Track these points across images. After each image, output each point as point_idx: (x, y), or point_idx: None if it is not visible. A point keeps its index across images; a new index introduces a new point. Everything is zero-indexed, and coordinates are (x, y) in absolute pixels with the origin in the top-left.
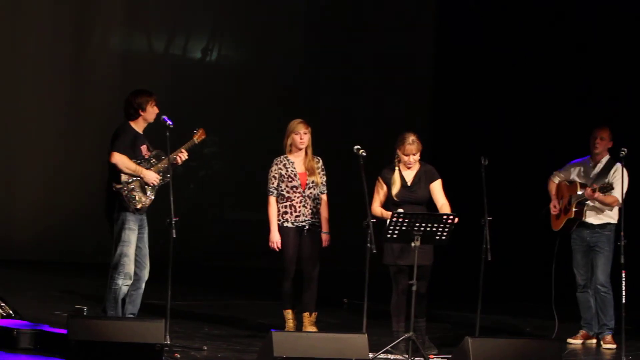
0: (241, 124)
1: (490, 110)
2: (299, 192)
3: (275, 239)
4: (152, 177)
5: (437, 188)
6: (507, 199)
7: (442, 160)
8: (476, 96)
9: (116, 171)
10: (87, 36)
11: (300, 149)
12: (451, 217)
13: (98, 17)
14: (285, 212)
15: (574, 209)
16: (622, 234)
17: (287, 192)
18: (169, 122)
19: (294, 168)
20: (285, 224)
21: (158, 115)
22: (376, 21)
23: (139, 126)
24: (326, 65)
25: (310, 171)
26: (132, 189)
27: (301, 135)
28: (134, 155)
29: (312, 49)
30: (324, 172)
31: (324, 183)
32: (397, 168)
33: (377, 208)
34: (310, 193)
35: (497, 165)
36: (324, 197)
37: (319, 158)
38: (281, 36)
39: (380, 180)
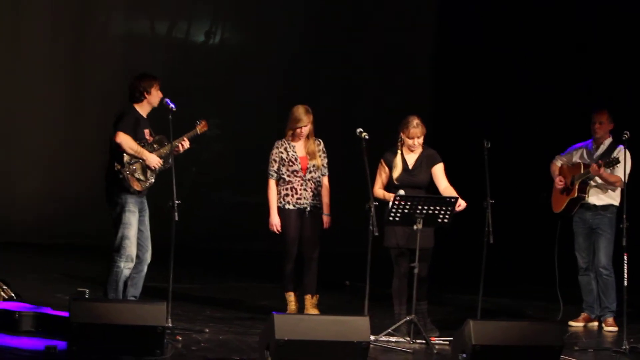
0: (243, 107)
1: (492, 97)
2: (300, 176)
3: (275, 222)
4: (154, 160)
5: (439, 171)
6: (510, 182)
7: (444, 144)
8: (477, 82)
9: (119, 152)
10: (88, 20)
11: (301, 139)
12: (453, 199)
13: (100, 1)
14: (287, 195)
15: (577, 188)
16: (624, 216)
17: (288, 175)
18: (171, 105)
19: (295, 152)
20: (287, 206)
21: (161, 99)
22: (376, 21)
23: (143, 110)
24: (327, 47)
25: (311, 155)
26: (134, 171)
27: (302, 129)
28: (137, 138)
29: (312, 33)
30: (325, 155)
31: (325, 165)
32: (399, 151)
33: (379, 190)
34: (312, 177)
35: (500, 148)
36: (325, 179)
37: (320, 140)
38: (282, 19)
39: (383, 163)
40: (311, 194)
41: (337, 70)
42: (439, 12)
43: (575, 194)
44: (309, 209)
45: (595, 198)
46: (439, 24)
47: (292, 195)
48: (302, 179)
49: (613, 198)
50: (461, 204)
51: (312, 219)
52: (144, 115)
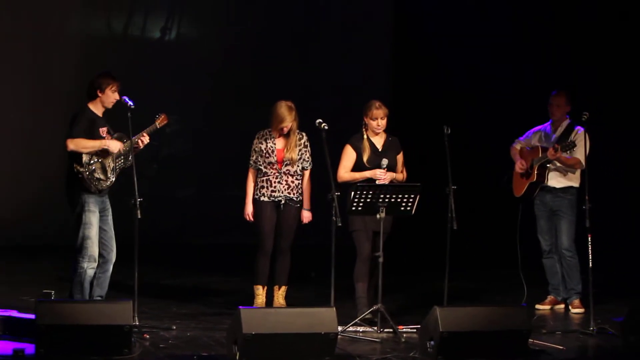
0: (201, 102)
1: (450, 82)
2: (275, 168)
3: (248, 211)
4: (116, 145)
5: (400, 159)
6: (471, 167)
7: (404, 131)
8: (435, 68)
9: (77, 153)
10: (45, 20)
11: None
12: (416, 186)
13: (55, 1)
14: (262, 187)
15: (536, 172)
16: (587, 197)
17: (265, 167)
18: (129, 102)
19: (274, 144)
20: (262, 198)
21: (119, 95)
22: (333, 11)
23: (97, 109)
24: (283, 40)
25: (289, 148)
26: (94, 171)
27: (285, 127)
28: (93, 138)
29: (269, 21)
30: (307, 148)
31: (307, 159)
32: (365, 136)
33: (344, 174)
34: (287, 170)
35: (460, 134)
36: (307, 172)
37: (303, 134)
38: (239, 13)
39: (350, 147)
40: (286, 186)
41: (294, 62)
42: (396, 6)
43: (534, 178)
44: (283, 201)
45: (555, 181)
46: (396, 15)
47: (267, 188)
48: (278, 172)
49: (572, 180)
50: (386, 177)
51: (287, 212)
52: (100, 115)
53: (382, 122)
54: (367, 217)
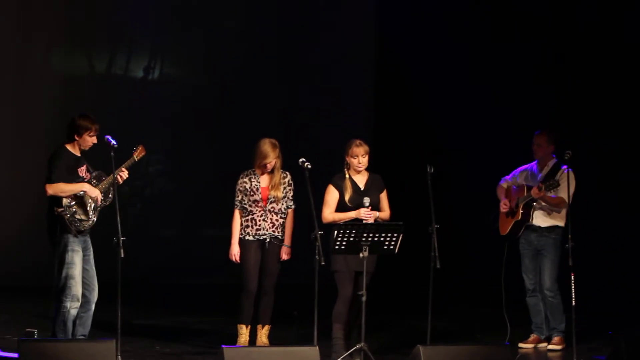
0: (185, 141)
1: (433, 122)
2: (260, 206)
3: (234, 252)
4: (95, 192)
5: (383, 198)
6: (454, 206)
7: (386, 170)
8: (418, 108)
9: (57, 197)
10: (27, 56)
11: (266, 172)
12: (398, 225)
13: (38, 39)
14: (247, 226)
15: (521, 211)
16: (569, 236)
17: (250, 205)
18: (112, 142)
19: (258, 182)
20: (247, 237)
21: (101, 134)
22: (315, 47)
23: (75, 149)
24: (265, 80)
25: (274, 186)
26: (74, 212)
27: (269, 164)
28: (72, 179)
29: (252, 61)
30: (291, 187)
31: (291, 198)
32: (347, 175)
33: (329, 215)
34: (272, 207)
35: (443, 172)
36: (291, 211)
37: (287, 173)
38: (222, 51)
39: (332, 187)
40: (271, 224)
41: (277, 101)
42: (378, 40)
43: (519, 217)
44: (268, 239)
45: (540, 220)
46: (378, 50)
47: (252, 227)
48: (263, 209)
49: (557, 219)
50: (371, 216)
51: (272, 250)
52: (78, 154)
53: (363, 160)
54: (349, 257)
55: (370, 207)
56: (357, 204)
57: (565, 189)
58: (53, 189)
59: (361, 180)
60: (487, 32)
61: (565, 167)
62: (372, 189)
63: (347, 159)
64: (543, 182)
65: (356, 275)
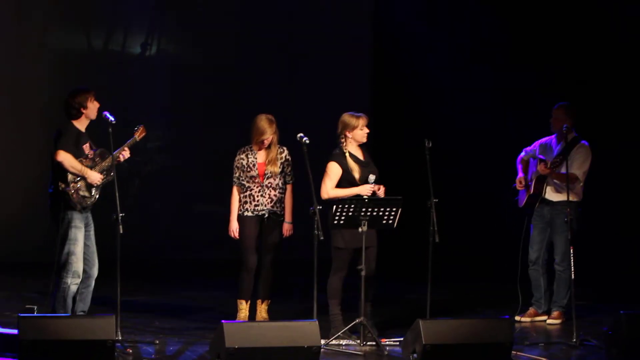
0: (183, 117)
1: (433, 95)
2: (257, 182)
3: (233, 228)
4: (95, 177)
5: None
6: (454, 180)
7: (386, 144)
8: (417, 81)
9: (62, 170)
10: (25, 35)
11: (263, 148)
12: (397, 199)
13: (35, 16)
14: (245, 202)
15: (534, 186)
16: (567, 210)
17: (247, 181)
18: (110, 118)
19: (255, 158)
20: (246, 214)
21: (100, 110)
22: (313, 22)
23: (81, 125)
24: (263, 55)
25: (271, 162)
26: (79, 188)
27: (266, 140)
28: (78, 154)
29: (250, 37)
30: (288, 162)
31: (289, 173)
32: (346, 152)
33: (331, 191)
34: (270, 183)
35: (441, 146)
36: (290, 187)
37: (284, 148)
38: (220, 28)
39: (335, 164)
40: (269, 200)
41: (274, 77)
42: (376, 11)
43: (532, 191)
44: (267, 215)
45: (552, 195)
46: (375, 25)
47: (250, 203)
48: (260, 185)
49: (571, 195)
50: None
51: (271, 226)
52: (83, 130)
53: (367, 131)
54: (348, 235)
55: (375, 183)
56: (364, 178)
57: (579, 165)
58: (65, 156)
59: (358, 153)
60: (489, 14)
61: (583, 142)
62: (371, 161)
63: (346, 132)
64: (561, 155)
65: (354, 252)
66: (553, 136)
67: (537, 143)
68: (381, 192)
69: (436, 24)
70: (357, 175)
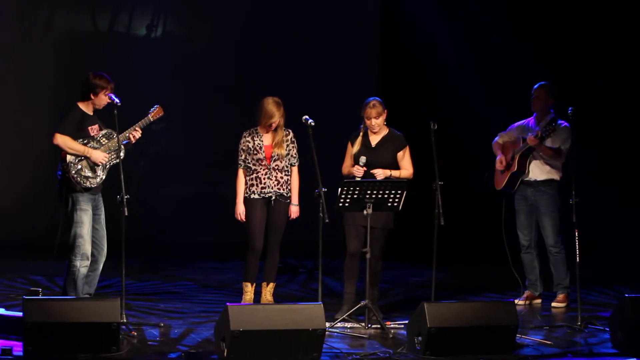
0: (189, 99)
1: (438, 74)
2: (264, 165)
3: (239, 211)
4: (99, 156)
5: (402, 156)
6: (459, 162)
7: (391, 126)
8: (422, 64)
9: (63, 152)
10: (31, 17)
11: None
12: (402, 182)
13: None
14: (252, 185)
15: (517, 162)
16: (573, 192)
17: (253, 164)
18: (116, 100)
19: (261, 141)
20: (252, 196)
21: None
22: (319, 8)
23: (88, 108)
24: (268, 37)
25: (277, 144)
26: (80, 169)
27: (274, 123)
28: (80, 135)
29: (255, 19)
30: (294, 144)
31: (295, 155)
32: (361, 132)
33: (345, 168)
34: (276, 165)
35: (447, 129)
36: (295, 169)
37: (289, 130)
38: (226, 10)
39: (349, 143)
40: (276, 182)
41: (279, 60)
42: (382, 7)
43: (515, 168)
44: (274, 197)
45: (537, 172)
46: (382, 10)
47: (257, 185)
48: (267, 168)
49: (553, 173)
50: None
51: (277, 208)
52: (90, 113)
53: (376, 122)
54: (357, 214)
55: (364, 167)
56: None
57: (563, 141)
58: (62, 139)
59: (375, 138)
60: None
61: (561, 121)
62: (384, 146)
63: (363, 116)
64: (542, 129)
65: (366, 230)
66: (531, 118)
67: (513, 125)
68: (378, 175)
69: (446, 9)
70: (353, 151)
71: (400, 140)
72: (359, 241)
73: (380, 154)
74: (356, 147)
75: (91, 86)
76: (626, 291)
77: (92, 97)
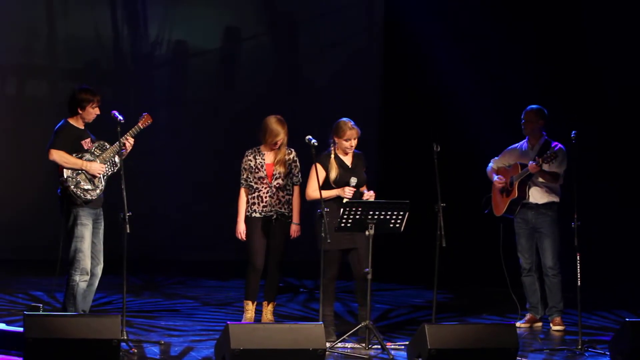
0: (190, 115)
1: (441, 97)
2: (265, 183)
3: (240, 230)
4: (96, 168)
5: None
6: (461, 184)
7: (393, 147)
8: (425, 86)
9: (60, 168)
10: (32, 22)
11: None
12: (405, 203)
13: (44, 6)
14: (254, 203)
15: (516, 189)
16: (575, 215)
17: (255, 182)
18: (119, 117)
19: (263, 159)
20: (254, 215)
21: (104, 112)
22: (323, 25)
23: (78, 122)
24: (273, 56)
25: (279, 162)
26: (79, 182)
27: (279, 141)
28: (75, 150)
29: (261, 37)
30: (296, 163)
31: (297, 174)
32: (333, 154)
33: (312, 192)
34: (278, 184)
35: (450, 151)
36: (297, 188)
37: (292, 149)
38: (228, 12)
39: (319, 167)
40: (277, 201)
41: (280, 71)
42: (386, 17)
43: (516, 195)
44: (275, 216)
45: (537, 196)
46: (385, 29)
47: (258, 204)
48: (268, 186)
49: (553, 195)
50: (371, 194)
51: (279, 227)
52: (81, 127)
53: (354, 143)
54: (333, 237)
55: (355, 187)
56: (344, 183)
57: (559, 163)
58: (58, 155)
59: (347, 158)
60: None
61: (556, 143)
62: (358, 166)
63: (335, 139)
64: (539, 156)
65: (341, 253)
66: (523, 141)
67: (506, 150)
68: (369, 196)
69: (448, 25)
70: (332, 176)
71: (363, 157)
72: (339, 265)
73: (358, 173)
74: (334, 170)
75: (77, 101)
76: (627, 315)
77: (80, 111)
